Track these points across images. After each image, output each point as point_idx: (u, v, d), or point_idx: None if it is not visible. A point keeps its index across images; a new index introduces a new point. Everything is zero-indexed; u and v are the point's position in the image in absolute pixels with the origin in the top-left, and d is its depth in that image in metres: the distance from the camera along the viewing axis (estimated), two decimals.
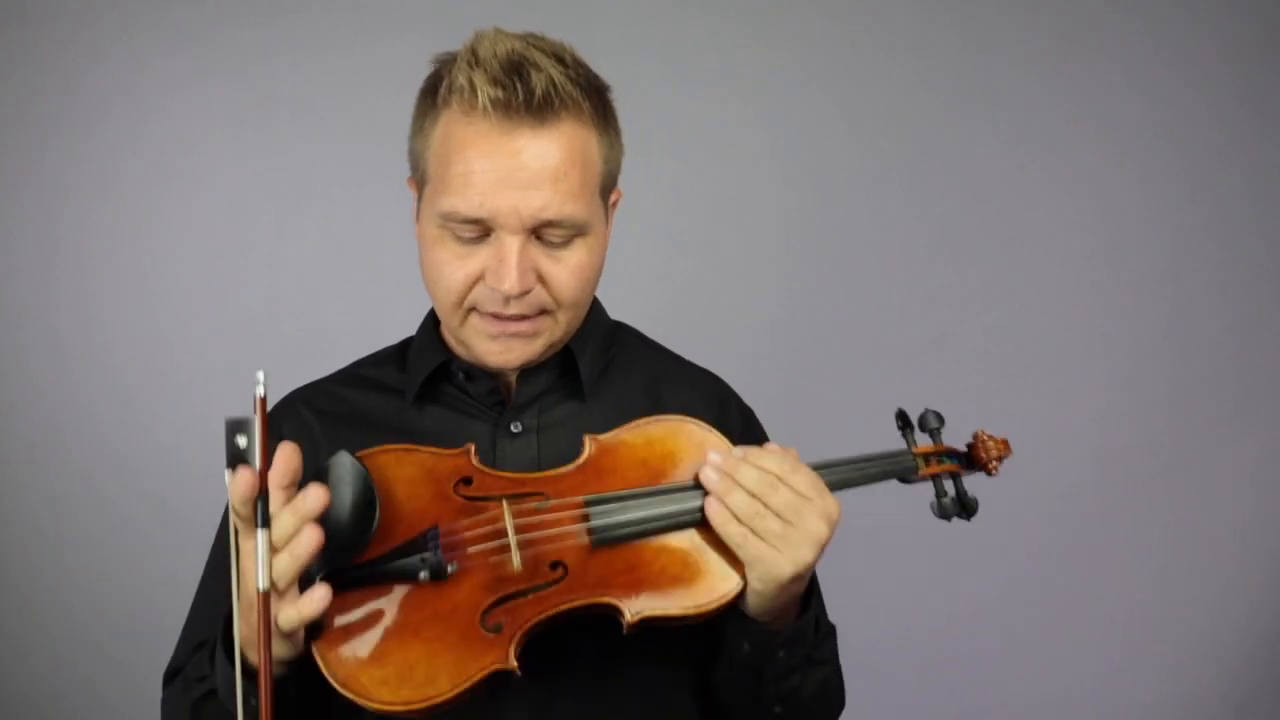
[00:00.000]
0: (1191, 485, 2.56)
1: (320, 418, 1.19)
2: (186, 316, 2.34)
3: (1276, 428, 2.58)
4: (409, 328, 1.26)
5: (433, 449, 1.06)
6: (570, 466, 1.06)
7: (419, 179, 1.12)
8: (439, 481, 1.04)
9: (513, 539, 1.00)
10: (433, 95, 1.09)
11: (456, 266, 1.08)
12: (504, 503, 1.02)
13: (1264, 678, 2.59)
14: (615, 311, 1.28)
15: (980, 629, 2.51)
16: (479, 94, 1.02)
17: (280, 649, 0.93)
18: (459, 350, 1.17)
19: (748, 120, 2.48)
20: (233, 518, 0.92)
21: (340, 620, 0.96)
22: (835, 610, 1.20)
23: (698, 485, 1.03)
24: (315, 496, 0.91)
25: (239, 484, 0.89)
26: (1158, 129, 2.54)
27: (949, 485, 1.15)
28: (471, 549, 1.00)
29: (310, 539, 0.90)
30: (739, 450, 1.03)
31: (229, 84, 2.32)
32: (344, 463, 0.99)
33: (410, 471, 1.04)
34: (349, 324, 2.24)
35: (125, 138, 2.31)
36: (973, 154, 2.52)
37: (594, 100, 1.08)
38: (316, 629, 0.95)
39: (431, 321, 1.23)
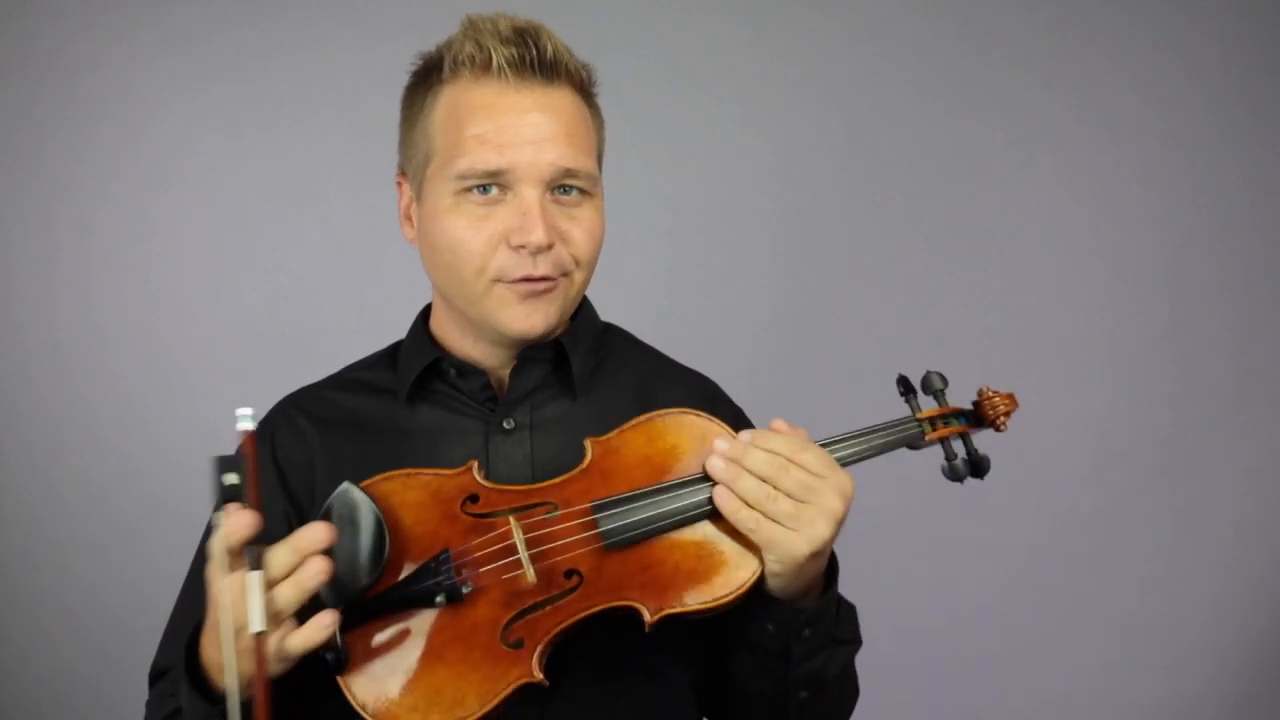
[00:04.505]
0: (1191, 485, 2.56)
1: (314, 423, 1.19)
2: (186, 316, 2.34)
3: (1276, 428, 2.58)
4: (409, 327, 1.25)
5: (435, 470, 1.06)
6: (574, 472, 1.05)
7: (420, 163, 1.12)
8: (445, 502, 1.04)
9: (523, 552, 0.99)
10: (428, 79, 1.12)
11: (477, 229, 1.08)
12: (511, 518, 1.01)
13: (1264, 677, 2.59)
14: (610, 311, 1.28)
15: (980, 629, 2.50)
16: (494, 55, 1.06)
17: (270, 671, 0.93)
18: (454, 347, 1.18)
19: (745, 120, 2.48)
20: (217, 554, 0.91)
21: (364, 652, 0.98)
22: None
23: (705, 477, 1.02)
24: (317, 533, 0.91)
25: (239, 525, 0.89)
26: (1158, 129, 2.54)
27: (959, 447, 1.15)
28: (484, 568, 1.00)
29: (319, 568, 0.91)
30: (745, 434, 1.03)
31: (229, 84, 2.32)
32: (350, 495, 0.99)
33: (416, 496, 1.04)
34: (349, 324, 2.24)
35: (125, 138, 2.31)
36: (972, 153, 2.52)
37: (585, 76, 1.13)
38: (341, 663, 0.96)
39: (421, 321, 1.24)
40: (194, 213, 2.34)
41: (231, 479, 0.89)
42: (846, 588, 1.14)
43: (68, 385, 2.32)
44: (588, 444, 1.06)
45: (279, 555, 0.91)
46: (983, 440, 1.17)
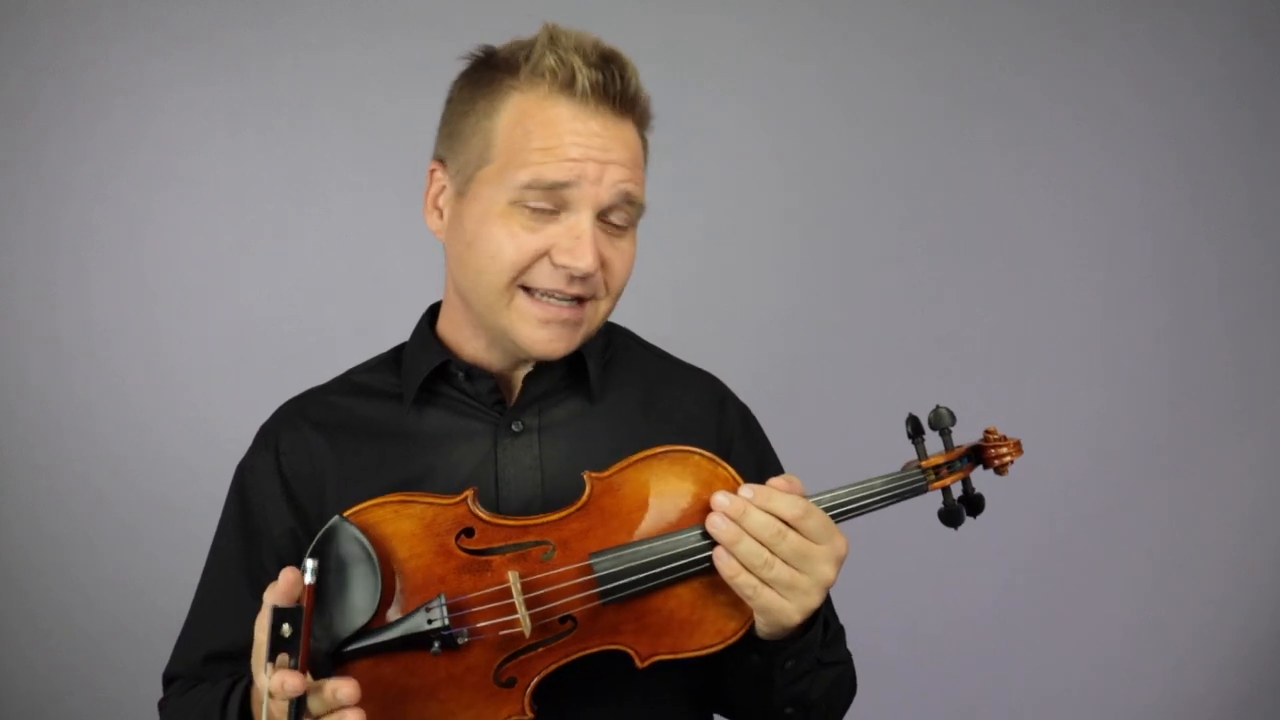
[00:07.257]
0: (1192, 485, 2.56)
1: (320, 430, 1.17)
2: (186, 317, 2.34)
3: (1276, 428, 2.58)
4: (409, 328, 1.24)
5: (430, 498, 1.02)
6: (573, 508, 1.02)
7: (471, 160, 1.09)
8: (439, 536, 1.00)
9: (521, 608, 0.97)
10: (494, 77, 1.09)
11: (524, 240, 1.06)
12: (510, 573, 0.98)
13: (1264, 678, 2.59)
14: (616, 312, 1.27)
15: (980, 629, 2.51)
16: (579, 75, 1.06)
17: None
18: (463, 349, 1.16)
19: (748, 121, 2.48)
20: (266, 702, 0.90)
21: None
22: (836, 609, 1.20)
23: (704, 532, 1.00)
24: (349, 691, 0.90)
25: (284, 687, 0.87)
26: (1158, 129, 2.54)
27: (957, 489, 1.11)
28: (482, 622, 0.98)
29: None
30: (746, 490, 1.00)
31: (229, 84, 2.32)
32: (342, 530, 0.97)
33: (408, 526, 1.00)
34: (349, 324, 2.25)
35: (125, 138, 2.30)
36: (973, 154, 2.52)
37: (648, 113, 1.14)
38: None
39: (426, 323, 1.22)
40: (194, 213, 2.33)
41: (286, 630, 0.88)
42: (847, 588, 1.14)
43: (68, 385, 2.31)
44: (587, 479, 1.03)
45: (315, 705, 0.91)
46: (981, 479, 1.13)
